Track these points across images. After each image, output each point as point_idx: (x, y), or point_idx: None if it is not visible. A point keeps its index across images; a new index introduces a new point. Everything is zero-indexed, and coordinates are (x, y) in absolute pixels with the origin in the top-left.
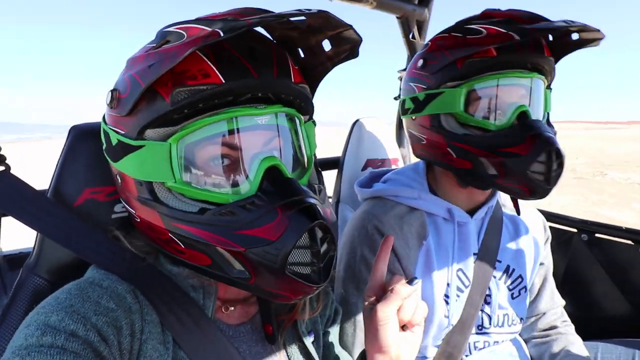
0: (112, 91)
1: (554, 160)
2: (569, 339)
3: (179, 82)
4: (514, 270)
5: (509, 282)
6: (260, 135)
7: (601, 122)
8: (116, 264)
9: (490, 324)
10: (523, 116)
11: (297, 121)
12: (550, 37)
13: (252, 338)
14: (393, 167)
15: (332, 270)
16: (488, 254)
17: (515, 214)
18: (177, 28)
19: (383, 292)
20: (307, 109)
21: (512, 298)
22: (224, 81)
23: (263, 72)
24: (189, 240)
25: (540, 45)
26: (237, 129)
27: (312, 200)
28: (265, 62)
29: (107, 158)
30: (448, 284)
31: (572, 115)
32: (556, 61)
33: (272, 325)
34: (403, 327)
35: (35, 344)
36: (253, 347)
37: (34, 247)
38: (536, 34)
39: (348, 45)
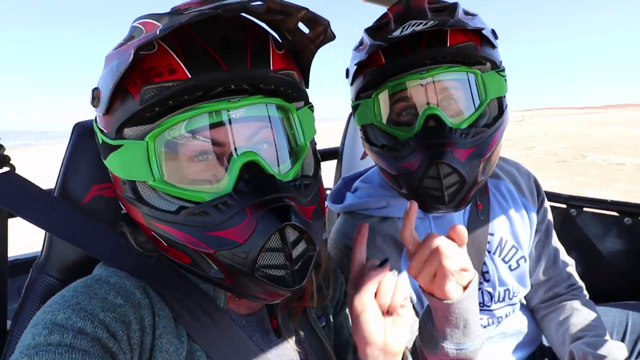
0: (93, 90)
1: (442, 177)
2: (574, 305)
3: (147, 79)
4: (507, 242)
5: (503, 254)
6: (238, 129)
7: (579, 108)
8: (125, 259)
9: (491, 301)
10: (434, 120)
11: (284, 110)
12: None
13: (264, 327)
14: None
15: (311, 267)
16: (476, 231)
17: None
18: (139, 23)
19: None
20: (297, 96)
21: (511, 270)
22: (190, 76)
23: (233, 63)
24: (168, 240)
25: (438, 36)
26: (211, 125)
27: (287, 200)
28: (238, 51)
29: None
30: None
31: (552, 102)
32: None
33: (276, 319)
34: (389, 312)
35: (43, 343)
36: (265, 336)
37: (42, 246)
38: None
39: (321, 27)
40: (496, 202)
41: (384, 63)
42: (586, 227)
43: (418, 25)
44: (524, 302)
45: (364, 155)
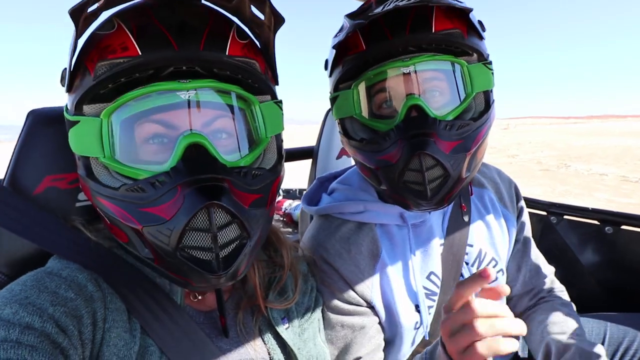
0: (63, 69)
1: (424, 169)
2: (554, 305)
3: (102, 56)
4: (486, 254)
5: (482, 267)
6: (190, 112)
7: (563, 117)
8: (78, 252)
9: None
10: (416, 110)
11: (245, 100)
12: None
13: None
14: None
15: (244, 256)
16: (456, 238)
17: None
18: None
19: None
20: (259, 87)
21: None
22: (140, 53)
23: (185, 44)
24: (108, 216)
25: (423, 20)
26: (161, 105)
27: (221, 181)
28: (193, 34)
29: None
30: (416, 293)
31: (537, 111)
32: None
33: (225, 318)
34: None
35: None
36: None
37: None
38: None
39: (266, 7)
40: (477, 212)
41: (364, 49)
42: (566, 235)
43: (401, 1)
44: None
45: (340, 155)
